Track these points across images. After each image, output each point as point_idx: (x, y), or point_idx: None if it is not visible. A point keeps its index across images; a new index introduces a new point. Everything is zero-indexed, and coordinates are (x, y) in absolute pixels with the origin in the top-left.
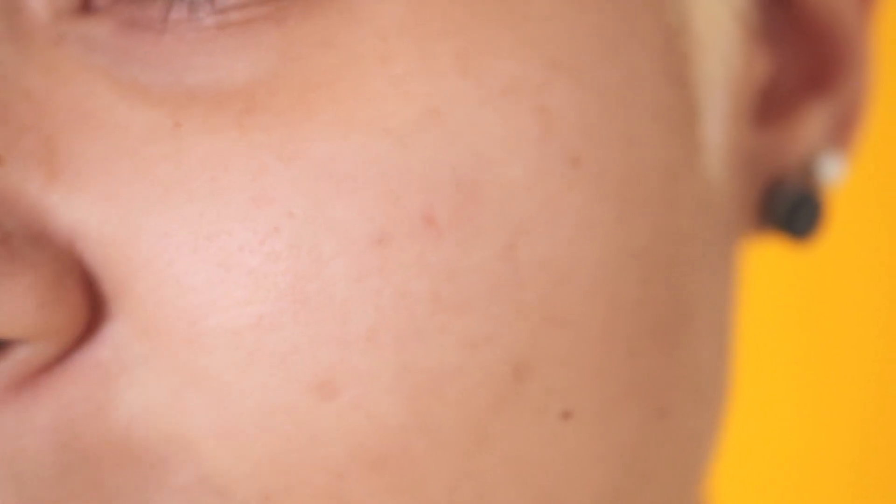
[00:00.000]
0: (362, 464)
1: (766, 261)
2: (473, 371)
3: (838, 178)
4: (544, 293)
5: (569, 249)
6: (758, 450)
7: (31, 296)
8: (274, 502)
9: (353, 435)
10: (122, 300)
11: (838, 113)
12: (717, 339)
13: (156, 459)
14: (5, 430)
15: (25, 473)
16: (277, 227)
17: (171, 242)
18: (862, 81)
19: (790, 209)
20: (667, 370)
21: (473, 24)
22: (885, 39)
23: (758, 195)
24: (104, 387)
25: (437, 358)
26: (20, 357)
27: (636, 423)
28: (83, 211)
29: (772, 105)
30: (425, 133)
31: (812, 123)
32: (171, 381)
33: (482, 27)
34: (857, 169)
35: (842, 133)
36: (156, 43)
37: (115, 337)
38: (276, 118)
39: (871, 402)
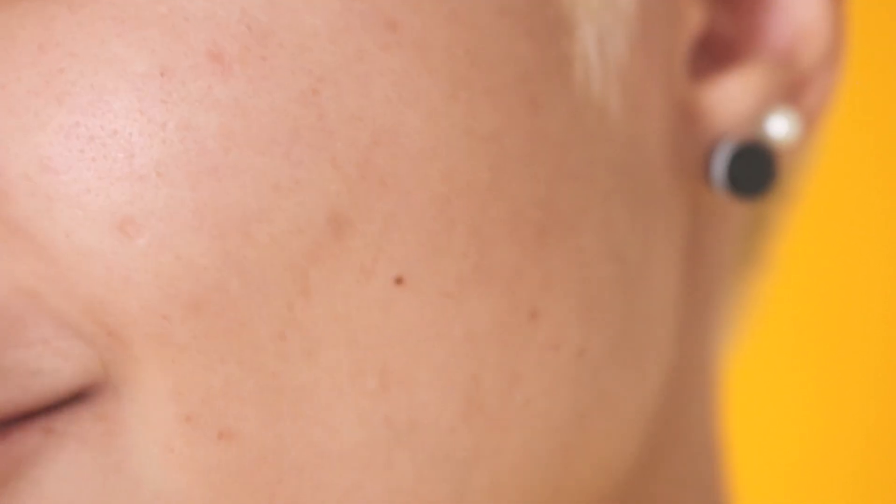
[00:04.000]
0: (181, 305)
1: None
2: (283, 216)
3: (789, 137)
4: (360, 147)
5: (386, 109)
6: (759, 450)
7: None
8: (121, 340)
9: (165, 275)
10: None
11: (792, 75)
12: (618, 278)
13: (11, 316)
14: None
15: None
16: (62, 68)
17: None
18: (818, 46)
19: (728, 165)
20: (533, 272)
21: None
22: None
23: (700, 150)
24: None
25: (237, 197)
26: None
27: (493, 314)
28: None
29: (707, 59)
30: None
31: (753, 83)
32: (1, 233)
33: None
34: (858, 170)
35: (797, 94)
36: None
37: None
38: None
39: (872, 402)
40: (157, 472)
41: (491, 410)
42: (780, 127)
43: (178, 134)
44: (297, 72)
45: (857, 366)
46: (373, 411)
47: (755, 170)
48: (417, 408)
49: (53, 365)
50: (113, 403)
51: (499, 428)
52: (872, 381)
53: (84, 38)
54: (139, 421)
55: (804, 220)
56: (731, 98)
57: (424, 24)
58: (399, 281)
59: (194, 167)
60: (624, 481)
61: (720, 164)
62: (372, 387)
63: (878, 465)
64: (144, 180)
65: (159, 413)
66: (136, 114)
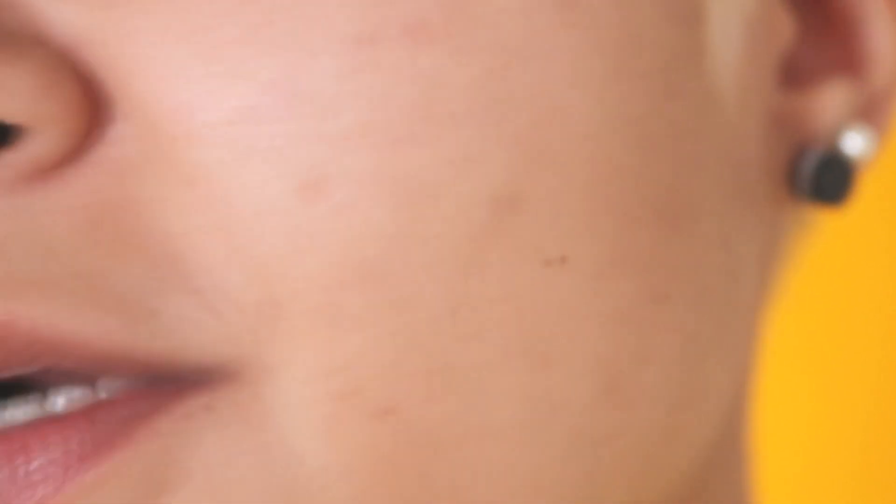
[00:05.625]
0: (358, 273)
1: None
2: (468, 188)
3: (865, 153)
4: (537, 125)
5: (560, 89)
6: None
7: (28, 79)
8: (284, 310)
9: (346, 241)
10: (127, 100)
11: (867, 94)
12: (726, 269)
13: (175, 258)
14: (39, 208)
15: (56, 245)
16: (267, 20)
17: (165, 37)
18: (890, 69)
19: (816, 171)
20: (665, 256)
21: None
22: None
23: (785, 158)
24: (129, 179)
25: (429, 166)
26: (32, 148)
27: (632, 295)
28: (84, 16)
29: (795, 72)
30: None
31: (837, 98)
32: (180, 177)
33: None
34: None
35: (871, 112)
36: None
37: (129, 134)
38: None
39: (872, 402)
40: (319, 448)
41: (623, 391)
42: (856, 142)
43: (381, 99)
44: (490, 47)
45: (857, 367)
46: (529, 389)
47: (838, 180)
48: (567, 386)
49: (207, 319)
50: (267, 381)
51: (628, 408)
52: (873, 381)
53: None
54: (299, 397)
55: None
56: (819, 110)
57: (599, 5)
58: (563, 260)
59: (390, 135)
60: (691, 472)
61: (806, 172)
62: (531, 365)
63: (879, 464)
64: (344, 142)
65: (321, 388)
66: (343, 76)
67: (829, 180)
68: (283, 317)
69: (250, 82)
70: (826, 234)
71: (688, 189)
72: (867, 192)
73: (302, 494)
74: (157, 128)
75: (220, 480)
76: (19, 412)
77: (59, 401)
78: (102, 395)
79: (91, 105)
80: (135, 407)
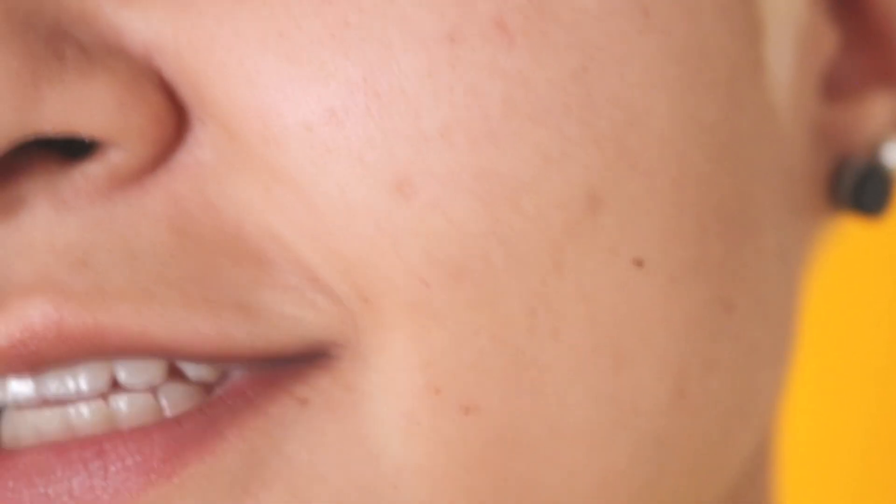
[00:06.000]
0: (444, 272)
1: None
2: (549, 188)
3: None
4: (617, 127)
5: (639, 93)
6: None
7: (109, 94)
8: (372, 305)
9: (434, 238)
10: (203, 106)
11: None
12: (781, 273)
13: (264, 257)
14: (121, 217)
15: (143, 253)
16: (347, 20)
17: (242, 42)
18: None
19: (857, 183)
20: (734, 265)
21: None
22: None
23: (826, 169)
24: (209, 183)
25: (512, 165)
26: (115, 159)
27: (701, 303)
28: (157, 25)
29: (837, 84)
30: None
31: (878, 110)
32: (261, 178)
33: None
34: None
35: None
36: None
37: (205, 139)
38: None
39: (872, 402)
40: (399, 444)
41: (692, 396)
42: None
43: (464, 98)
44: (571, 47)
45: (857, 368)
46: (603, 391)
47: (879, 191)
48: (639, 389)
49: (303, 314)
50: (359, 371)
51: (694, 414)
52: (873, 381)
53: None
54: (385, 391)
55: None
56: (860, 121)
57: (671, 13)
58: (639, 263)
59: (476, 132)
60: (737, 477)
61: (847, 183)
62: (606, 366)
63: (879, 464)
64: (428, 141)
65: (407, 383)
66: (425, 75)
67: (870, 191)
68: (376, 309)
69: (333, 84)
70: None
71: (753, 200)
72: None
73: (379, 491)
74: (237, 131)
75: (304, 477)
76: (85, 410)
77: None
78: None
79: (171, 114)
80: (226, 405)
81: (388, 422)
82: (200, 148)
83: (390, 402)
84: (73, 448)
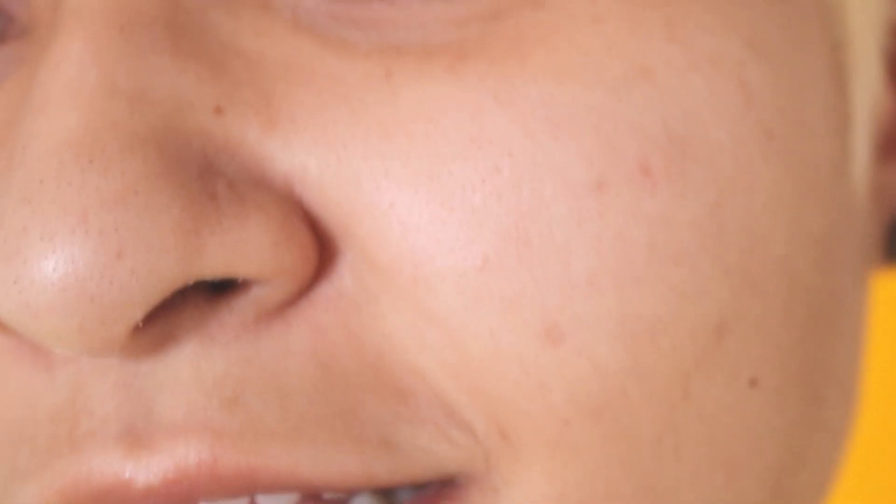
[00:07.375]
0: (584, 411)
1: None
2: (683, 323)
3: None
4: (744, 256)
5: (762, 219)
6: None
7: (264, 236)
8: (511, 442)
9: (577, 381)
10: (347, 240)
11: None
12: (854, 349)
13: (405, 392)
14: (267, 352)
15: (291, 390)
16: (498, 166)
17: (391, 183)
18: None
19: None
20: (824, 361)
21: None
22: None
23: (881, 228)
24: (353, 315)
25: (653, 306)
26: (261, 293)
27: (801, 406)
28: (301, 156)
29: (887, 143)
30: (637, 88)
31: None
32: (408, 316)
33: (687, 2)
34: None
35: None
36: (364, 8)
37: (350, 271)
38: (489, 65)
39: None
40: None
41: (786, 490)
42: None
43: (611, 245)
44: (707, 185)
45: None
46: (715, 501)
47: None
48: (743, 493)
49: (442, 449)
50: (489, 502)
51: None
52: (873, 381)
53: (520, 139)
54: None
55: None
56: None
57: (790, 130)
58: (753, 383)
59: (622, 278)
60: None
61: None
62: (719, 479)
63: (879, 464)
64: (576, 288)
65: None
66: (575, 224)
67: None
68: (514, 445)
69: (486, 231)
70: None
71: (839, 292)
72: None
73: None
74: (384, 269)
75: None
76: None
77: None
78: None
79: (318, 248)
80: None
81: None
82: (341, 279)
83: None
84: None
